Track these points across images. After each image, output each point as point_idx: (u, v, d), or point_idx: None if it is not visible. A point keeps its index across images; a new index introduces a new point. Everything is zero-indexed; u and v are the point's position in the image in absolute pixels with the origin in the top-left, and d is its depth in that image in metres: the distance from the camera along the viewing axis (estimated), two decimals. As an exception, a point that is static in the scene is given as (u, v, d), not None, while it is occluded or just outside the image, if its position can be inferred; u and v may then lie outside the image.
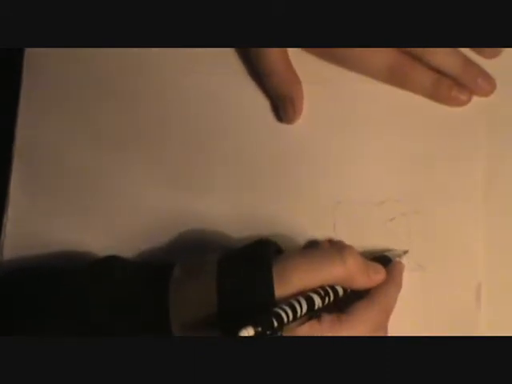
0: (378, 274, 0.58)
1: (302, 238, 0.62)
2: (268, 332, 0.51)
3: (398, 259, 0.61)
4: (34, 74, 0.66)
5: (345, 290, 0.57)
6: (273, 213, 0.63)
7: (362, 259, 0.57)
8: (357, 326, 0.55)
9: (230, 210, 0.64)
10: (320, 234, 0.62)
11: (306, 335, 0.53)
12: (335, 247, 0.58)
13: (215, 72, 0.65)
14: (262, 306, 0.53)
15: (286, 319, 0.52)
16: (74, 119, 0.65)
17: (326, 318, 0.54)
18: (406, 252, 0.62)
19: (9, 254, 0.63)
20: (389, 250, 0.62)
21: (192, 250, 0.63)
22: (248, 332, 0.50)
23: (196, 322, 0.54)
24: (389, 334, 0.58)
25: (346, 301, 0.57)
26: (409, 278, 0.61)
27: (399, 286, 0.60)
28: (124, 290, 0.57)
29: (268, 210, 0.63)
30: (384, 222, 0.63)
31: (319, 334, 0.54)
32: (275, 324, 0.51)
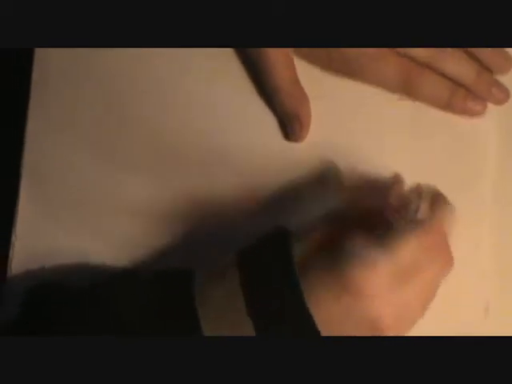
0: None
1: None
2: None
3: None
4: (42, 86, 0.66)
5: None
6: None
7: None
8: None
9: (234, 220, 0.63)
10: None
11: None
12: None
13: (221, 90, 0.65)
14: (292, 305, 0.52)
15: None
16: (81, 138, 0.66)
17: None
18: None
19: (17, 271, 0.64)
20: None
21: (200, 258, 0.62)
22: None
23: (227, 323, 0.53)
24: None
25: None
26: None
27: None
28: (150, 298, 0.55)
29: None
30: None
31: None
32: None
